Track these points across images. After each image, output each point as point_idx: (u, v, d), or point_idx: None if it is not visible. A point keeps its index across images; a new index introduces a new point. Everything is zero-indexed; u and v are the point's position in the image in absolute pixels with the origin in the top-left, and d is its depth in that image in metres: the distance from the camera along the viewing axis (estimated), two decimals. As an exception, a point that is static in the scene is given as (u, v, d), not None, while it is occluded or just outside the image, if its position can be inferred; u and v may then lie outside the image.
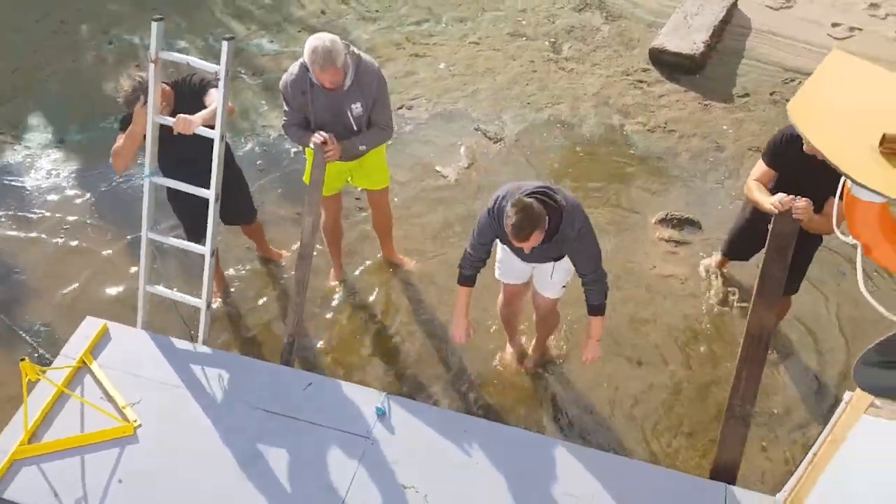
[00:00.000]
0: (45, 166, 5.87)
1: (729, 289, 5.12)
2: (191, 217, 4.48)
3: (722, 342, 4.86)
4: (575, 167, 5.99)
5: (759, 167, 4.12)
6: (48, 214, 5.53)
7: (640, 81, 6.72)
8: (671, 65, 6.78)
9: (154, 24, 3.82)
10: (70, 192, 5.67)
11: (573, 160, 6.05)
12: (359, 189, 5.27)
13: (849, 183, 2.40)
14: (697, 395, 4.61)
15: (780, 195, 3.70)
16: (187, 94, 4.16)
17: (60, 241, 5.35)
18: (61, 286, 5.08)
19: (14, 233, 5.40)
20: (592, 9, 7.39)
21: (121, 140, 4.11)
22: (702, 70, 6.76)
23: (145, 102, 3.95)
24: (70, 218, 5.50)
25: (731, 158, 6.07)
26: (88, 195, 5.65)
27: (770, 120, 6.36)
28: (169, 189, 4.29)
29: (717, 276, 5.19)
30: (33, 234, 5.40)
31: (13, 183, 5.75)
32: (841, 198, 2.63)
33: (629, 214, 5.64)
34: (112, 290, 5.05)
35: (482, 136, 6.20)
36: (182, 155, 4.13)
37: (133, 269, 5.11)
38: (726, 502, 3.61)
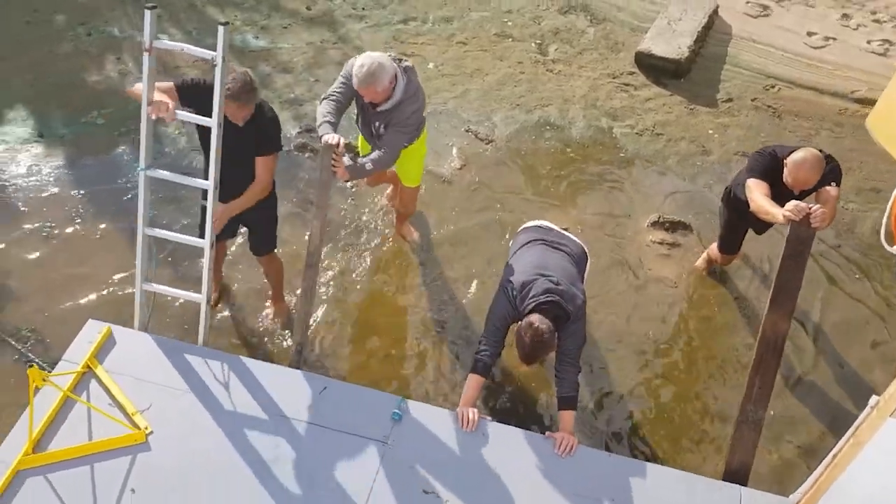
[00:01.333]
0: (24, 161, 5.65)
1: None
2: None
3: (716, 342, 4.95)
4: (566, 169, 6.03)
5: (758, 183, 4.25)
6: (30, 213, 5.32)
7: (627, 84, 6.79)
8: (657, 69, 6.87)
9: (147, 13, 3.63)
10: (54, 189, 5.47)
11: (564, 162, 6.09)
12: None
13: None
14: (698, 395, 4.69)
15: (794, 203, 3.77)
16: (193, 95, 4.04)
17: (45, 240, 5.17)
18: (47, 289, 4.90)
19: (-5, 230, 5.20)
20: (577, 11, 7.44)
21: (148, 91, 3.85)
22: (687, 74, 6.87)
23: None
24: (55, 216, 5.30)
25: (718, 162, 6.18)
26: (73, 192, 5.47)
27: (753, 126, 6.50)
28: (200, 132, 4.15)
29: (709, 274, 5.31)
30: (15, 235, 5.19)
31: (-9, 179, 5.54)
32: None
33: (621, 217, 5.70)
34: (102, 291, 4.90)
35: (473, 137, 6.19)
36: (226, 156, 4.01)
37: (122, 270, 4.96)
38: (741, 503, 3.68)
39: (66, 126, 5.93)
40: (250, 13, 7.08)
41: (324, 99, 4.35)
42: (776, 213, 3.92)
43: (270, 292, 4.89)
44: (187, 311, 4.71)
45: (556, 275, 3.92)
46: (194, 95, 3.98)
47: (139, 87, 3.86)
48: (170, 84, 4.01)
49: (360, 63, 4.15)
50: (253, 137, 4.03)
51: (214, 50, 3.62)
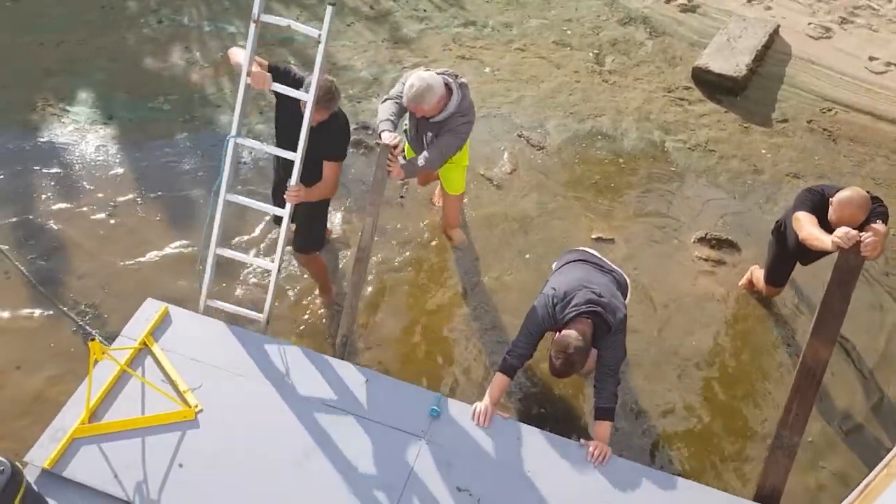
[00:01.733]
0: (93, 142, 5.89)
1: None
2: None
3: (753, 361, 4.97)
4: (615, 180, 6.07)
5: (807, 216, 4.33)
6: (95, 191, 5.55)
7: (682, 99, 6.80)
8: (713, 85, 6.87)
9: None
10: (119, 170, 5.69)
11: (614, 173, 6.13)
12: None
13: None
14: (733, 413, 4.72)
15: (845, 230, 3.79)
16: (281, 82, 4.16)
17: (107, 219, 5.38)
18: (107, 266, 5.11)
19: (61, 205, 5.42)
20: (637, 23, 7.47)
21: (249, 62, 3.99)
22: (743, 92, 6.86)
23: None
24: (118, 197, 5.52)
25: (769, 182, 6.16)
26: (138, 174, 5.68)
27: (808, 148, 6.46)
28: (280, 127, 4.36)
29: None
30: (81, 210, 5.41)
31: (61, 157, 5.76)
32: None
33: (669, 231, 5.73)
34: (161, 275, 5.09)
35: (525, 142, 6.27)
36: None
37: (183, 251, 5.15)
38: (770, 525, 3.70)
39: (134, 110, 6.15)
40: (314, 9, 7.24)
41: (386, 99, 4.52)
42: (826, 240, 3.94)
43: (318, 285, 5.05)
44: (243, 300, 4.87)
45: (599, 288, 3.99)
46: (282, 82, 4.11)
47: (237, 53, 4.06)
48: (265, 62, 4.16)
49: (409, 83, 4.37)
50: (322, 140, 4.17)
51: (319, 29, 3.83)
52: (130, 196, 5.53)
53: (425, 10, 7.33)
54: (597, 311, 3.89)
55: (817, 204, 4.40)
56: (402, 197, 5.74)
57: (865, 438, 4.67)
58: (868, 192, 4.28)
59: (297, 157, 4.07)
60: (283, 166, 4.35)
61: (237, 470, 3.68)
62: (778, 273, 5.05)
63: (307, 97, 3.95)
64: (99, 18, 6.89)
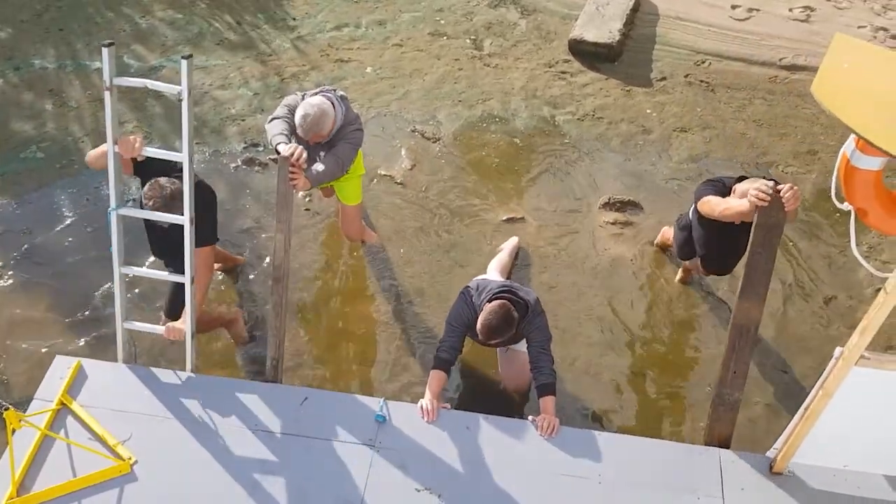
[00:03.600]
0: (-34, 203, 5.52)
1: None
2: (171, 253, 4.29)
3: (677, 314, 5.11)
4: (514, 160, 6.12)
5: (716, 197, 4.23)
6: (-23, 254, 5.21)
7: (563, 72, 6.91)
8: (590, 54, 7.01)
9: (105, 50, 3.51)
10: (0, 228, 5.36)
11: (512, 153, 6.18)
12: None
13: (848, 154, 2.61)
14: (665, 363, 4.85)
15: (760, 184, 3.63)
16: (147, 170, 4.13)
17: (-4, 281, 5.06)
18: (5, 331, 4.80)
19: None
20: (507, 4, 7.54)
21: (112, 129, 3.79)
22: (619, 57, 7.02)
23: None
24: (4, 257, 5.19)
25: (659, 140, 6.34)
26: (20, 230, 5.35)
27: (689, 101, 6.68)
28: (148, 230, 4.32)
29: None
30: (-36, 276, 5.07)
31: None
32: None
33: (573, 201, 5.82)
34: (64, 330, 4.82)
35: (420, 136, 6.24)
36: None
37: (83, 307, 4.91)
38: (721, 465, 3.80)
39: (5, 164, 5.79)
40: (181, 31, 6.99)
41: (273, 119, 4.43)
42: (742, 204, 3.85)
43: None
44: (157, 341, 4.65)
45: (512, 282, 4.22)
46: (145, 171, 4.09)
47: (94, 153, 4.01)
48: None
49: (302, 114, 4.33)
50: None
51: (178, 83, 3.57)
52: (18, 254, 5.21)
53: (294, 19, 7.19)
54: (511, 289, 4.03)
55: (720, 192, 4.30)
56: (307, 209, 5.61)
57: (792, 367, 4.87)
58: (767, 177, 4.15)
59: (185, 220, 3.84)
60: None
61: (186, 516, 3.51)
62: (686, 252, 4.89)
63: (182, 157, 3.70)
64: (-51, 73, 6.46)
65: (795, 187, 3.58)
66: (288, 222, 4.09)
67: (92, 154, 4.08)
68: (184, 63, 3.53)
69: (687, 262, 5.03)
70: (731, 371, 3.84)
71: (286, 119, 4.44)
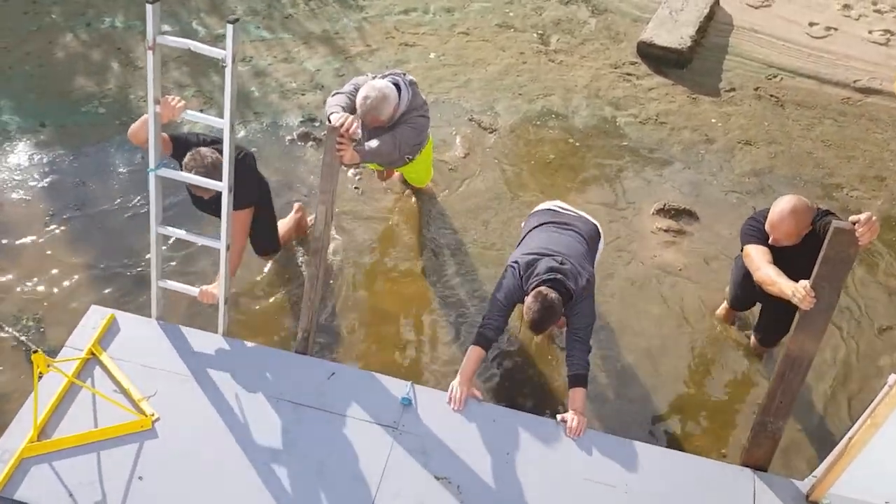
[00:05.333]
0: (26, 150, 5.60)
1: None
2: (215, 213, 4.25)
3: (727, 332, 4.93)
4: (570, 158, 5.99)
5: (758, 250, 3.89)
6: (32, 201, 5.27)
7: (629, 74, 6.75)
8: (659, 58, 6.83)
9: (149, 7, 3.45)
10: (55, 178, 5.42)
11: (568, 151, 6.05)
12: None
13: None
14: (704, 378, 4.68)
15: (803, 283, 3.43)
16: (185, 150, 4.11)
17: (46, 228, 5.11)
18: (49, 277, 4.85)
19: (-6, 220, 5.14)
20: (578, 2, 7.40)
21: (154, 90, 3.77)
22: (689, 64, 6.83)
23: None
24: (56, 205, 5.25)
25: (722, 150, 6.15)
26: (75, 180, 5.42)
27: (757, 114, 6.47)
28: (190, 194, 4.30)
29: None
30: (16, 223, 5.14)
31: (-9, 168, 5.48)
32: None
33: (626, 205, 5.67)
34: (105, 280, 4.85)
35: (477, 126, 6.16)
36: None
37: (126, 258, 4.93)
38: (755, 488, 3.64)
39: (67, 116, 5.87)
40: (251, 2, 7.02)
41: (337, 93, 4.44)
42: (784, 286, 3.55)
43: None
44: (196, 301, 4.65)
45: (561, 254, 3.93)
46: (183, 151, 4.04)
47: (135, 126, 3.98)
48: (167, 138, 4.07)
49: (363, 94, 4.28)
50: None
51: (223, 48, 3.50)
52: (68, 204, 5.27)
53: (363, 0, 7.17)
54: (557, 279, 3.84)
55: (764, 232, 3.93)
56: (356, 188, 5.57)
57: (839, 395, 4.66)
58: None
59: (224, 186, 3.81)
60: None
61: (202, 478, 3.48)
62: (740, 301, 4.69)
63: (223, 122, 3.64)
64: (22, 25, 6.57)
65: (874, 219, 3.28)
66: (331, 193, 4.02)
67: (133, 126, 4.03)
68: (230, 27, 3.43)
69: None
70: (777, 401, 3.65)
71: (349, 95, 4.40)
